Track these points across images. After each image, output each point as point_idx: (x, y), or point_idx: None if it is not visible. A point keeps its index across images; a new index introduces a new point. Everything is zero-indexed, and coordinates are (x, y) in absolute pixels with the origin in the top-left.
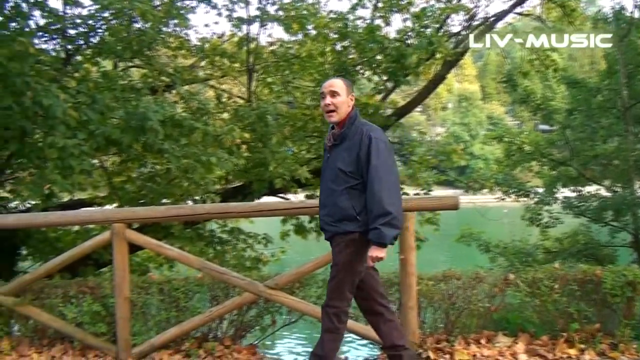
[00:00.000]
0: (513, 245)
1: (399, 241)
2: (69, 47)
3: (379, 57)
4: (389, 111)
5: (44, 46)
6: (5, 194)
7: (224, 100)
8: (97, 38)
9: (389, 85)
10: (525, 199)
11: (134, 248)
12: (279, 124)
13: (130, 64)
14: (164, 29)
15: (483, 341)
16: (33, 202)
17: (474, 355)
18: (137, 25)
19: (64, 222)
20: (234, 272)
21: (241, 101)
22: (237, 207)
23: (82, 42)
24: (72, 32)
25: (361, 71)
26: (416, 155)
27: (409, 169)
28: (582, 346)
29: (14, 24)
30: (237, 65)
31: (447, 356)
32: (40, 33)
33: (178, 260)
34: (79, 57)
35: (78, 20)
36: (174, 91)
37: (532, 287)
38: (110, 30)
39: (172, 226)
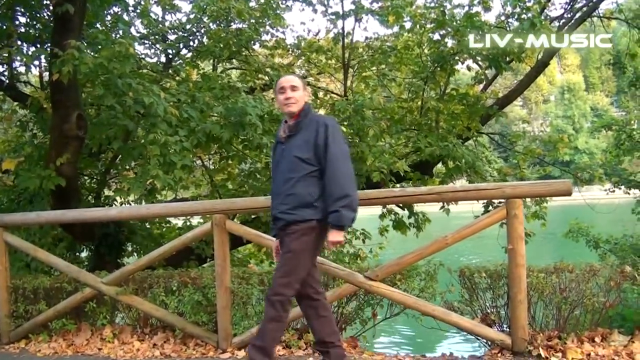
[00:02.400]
0: (625, 241)
1: (507, 230)
2: (169, 51)
3: (479, 44)
4: (490, 102)
5: (146, 52)
6: (111, 194)
7: (320, 96)
8: (196, 41)
9: (489, 74)
10: (637, 190)
11: (235, 244)
12: (375, 117)
13: (229, 65)
14: (260, 29)
15: (597, 339)
16: (136, 199)
17: (588, 355)
18: (234, 27)
19: (165, 213)
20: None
21: (338, 98)
22: None
23: (181, 45)
24: (172, 37)
25: (460, 60)
26: (520, 146)
27: (514, 159)
28: None
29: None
30: (332, 61)
31: (559, 354)
32: (142, 40)
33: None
34: (178, 61)
35: (177, 25)
36: (271, 90)
37: None
38: (209, 32)
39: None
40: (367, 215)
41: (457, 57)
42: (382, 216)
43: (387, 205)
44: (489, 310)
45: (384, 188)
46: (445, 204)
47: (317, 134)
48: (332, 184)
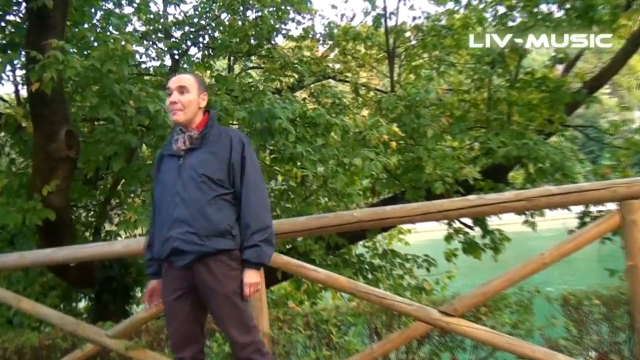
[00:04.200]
0: None
1: (624, 242)
2: (175, 51)
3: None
4: (575, 87)
5: (147, 53)
6: (114, 228)
7: (361, 93)
8: (207, 37)
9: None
10: None
11: (268, 281)
12: (432, 114)
13: (248, 63)
14: (284, 16)
15: None
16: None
17: None
18: (252, 16)
19: None
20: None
21: (383, 95)
22: (395, 210)
23: (189, 43)
24: (177, 34)
25: (534, 36)
26: (619, 139)
27: (610, 158)
28: None
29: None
30: (374, 51)
31: None
32: (142, 39)
33: (324, 283)
34: (187, 62)
35: (182, 19)
36: (302, 90)
37: None
38: (221, 25)
39: (311, 251)
40: (425, 240)
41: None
42: (448, 238)
43: (454, 224)
44: (606, 348)
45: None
46: (531, 216)
47: (231, 151)
48: (249, 214)
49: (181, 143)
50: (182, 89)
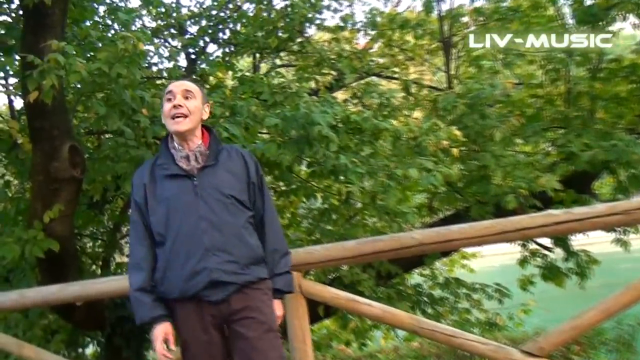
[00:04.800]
0: None
1: None
2: (191, 50)
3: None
4: None
5: (159, 52)
6: (125, 259)
7: (413, 91)
8: (227, 32)
9: None
10: None
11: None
12: (499, 113)
13: (279, 61)
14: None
15: None
16: None
17: None
18: (281, 4)
19: None
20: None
21: (439, 92)
22: (463, 230)
23: (207, 39)
24: (192, 29)
25: (621, 14)
26: None
27: None
28: None
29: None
30: (425, 41)
31: None
32: (153, 36)
33: (380, 320)
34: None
35: (198, 12)
36: (342, 91)
37: None
38: (245, 16)
39: (359, 282)
40: (493, 266)
41: (615, 12)
42: (523, 262)
43: (530, 245)
44: None
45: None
46: (623, 233)
47: (247, 169)
48: (276, 238)
49: (193, 160)
50: (187, 94)
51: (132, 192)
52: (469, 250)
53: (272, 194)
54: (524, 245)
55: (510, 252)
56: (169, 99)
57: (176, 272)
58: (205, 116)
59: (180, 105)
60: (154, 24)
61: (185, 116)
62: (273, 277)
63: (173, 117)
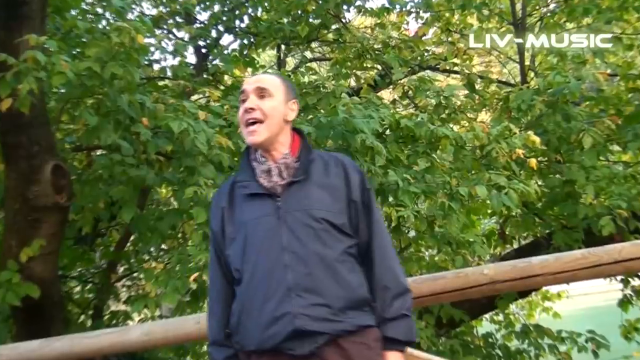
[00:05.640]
0: None
1: None
2: (202, 42)
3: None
4: None
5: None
6: (122, 307)
7: (478, 88)
8: (246, 19)
9: None
10: None
11: None
12: (589, 113)
13: (310, 54)
14: None
15: None
16: (172, 312)
17: None
18: None
19: None
20: None
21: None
22: (547, 263)
23: (222, 29)
24: (202, 16)
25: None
26: None
27: None
28: None
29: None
30: (492, 24)
31: None
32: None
33: None
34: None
35: None
36: (387, 89)
37: None
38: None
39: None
40: (583, 309)
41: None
42: (625, 303)
43: (633, 281)
44: None
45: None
46: None
47: (349, 184)
48: (387, 272)
49: (276, 175)
50: (261, 92)
51: (209, 219)
52: (554, 289)
53: None
54: (626, 282)
55: (607, 290)
56: (243, 101)
57: (253, 318)
58: (292, 116)
59: (252, 109)
60: (155, 11)
61: (260, 122)
62: (383, 324)
63: (247, 124)
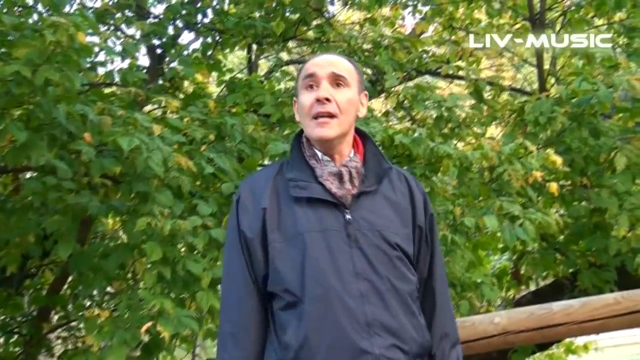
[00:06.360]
0: None
1: None
2: (157, 41)
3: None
4: None
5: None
6: None
7: (487, 97)
8: (210, 13)
9: None
10: None
11: None
12: (621, 127)
13: (286, 56)
14: None
15: None
16: None
17: None
18: None
19: None
20: None
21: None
22: (570, 310)
23: (180, 24)
24: (158, 9)
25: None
26: None
27: None
28: None
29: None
30: (505, 20)
31: None
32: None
33: None
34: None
35: None
36: (379, 98)
37: None
38: None
39: None
40: None
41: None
42: None
43: None
44: None
45: None
46: None
47: (413, 204)
48: (448, 315)
49: (347, 180)
50: (337, 79)
51: (234, 216)
52: (579, 339)
53: None
54: None
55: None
56: (310, 86)
57: (321, 355)
58: (363, 112)
59: (327, 100)
60: (99, 4)
61: (334, 116)
62: None
63: (316, 117)
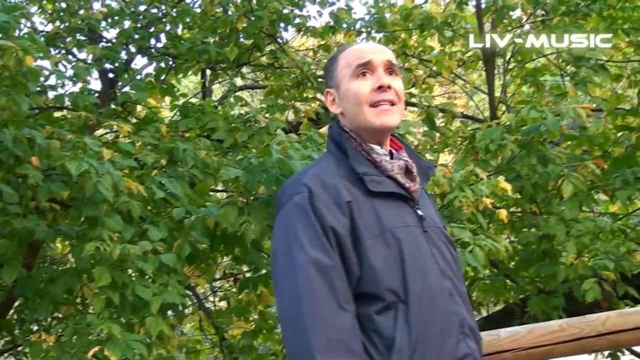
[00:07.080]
0: None
1: None
2: (109, 65)
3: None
4: None
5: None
6: None
7: (439, 124)
8: (163, 37)
9: None
10: None
11: None
12: (570, 155)
13: (240, 81)
14: None
15: None
16: None
17: None
18: None
19: None
20: None
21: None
22: (517, 336)
23: (133, 49)
24: (110, 33)
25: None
26: None
27: None
28: None
29: None
30: (457, 48)
31: None
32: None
33: None
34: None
35: (118, 9)
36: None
37: None
38: (189, 13)
39: None
40: None
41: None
42: None
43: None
44: None
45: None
46: None
47: (434, 205)
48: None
49: (416, 175)
50: (391, 68)
51: (310, 215)
52: None
53: (230, 283)
54: (614, 357)
55: None
56: (364, 74)
57: (432, 357)
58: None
59: (389, 87)
60: (50, 27)
61: (395, 102)
62: None
63: (376, 105)
